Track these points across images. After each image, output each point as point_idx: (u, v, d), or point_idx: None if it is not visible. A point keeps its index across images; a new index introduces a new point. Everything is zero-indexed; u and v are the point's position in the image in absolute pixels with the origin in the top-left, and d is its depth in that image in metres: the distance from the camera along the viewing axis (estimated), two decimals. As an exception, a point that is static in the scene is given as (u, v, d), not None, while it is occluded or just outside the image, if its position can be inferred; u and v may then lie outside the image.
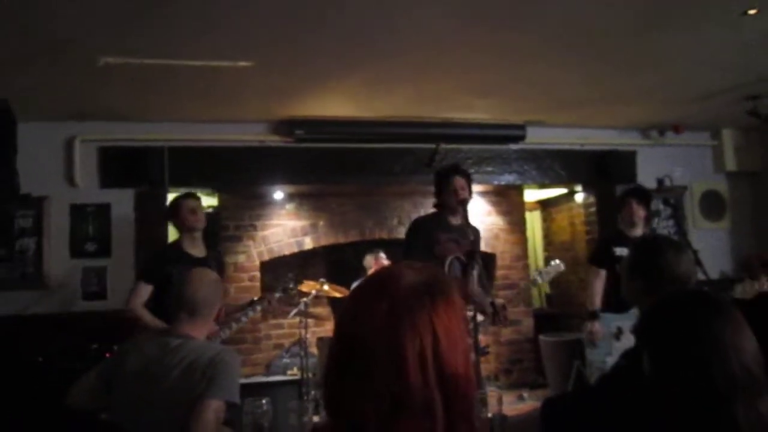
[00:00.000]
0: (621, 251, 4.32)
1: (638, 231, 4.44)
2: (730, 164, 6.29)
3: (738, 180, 6.44)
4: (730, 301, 1.40)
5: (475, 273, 3.56)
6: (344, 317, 1.04)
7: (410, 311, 0.98)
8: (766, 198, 6.28)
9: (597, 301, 4.31)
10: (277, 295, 4.11)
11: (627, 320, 4.20)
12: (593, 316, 4.26)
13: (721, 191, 6.40)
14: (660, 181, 5.98)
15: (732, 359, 1.26)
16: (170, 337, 2.14)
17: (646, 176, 6.06)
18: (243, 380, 4.32)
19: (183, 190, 5.35)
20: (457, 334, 1.01)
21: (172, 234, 5.39)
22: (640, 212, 4.46)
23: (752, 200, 6.45)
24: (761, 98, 5.11)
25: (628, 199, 4.49)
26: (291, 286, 4.23)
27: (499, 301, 3.53)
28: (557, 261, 4.00)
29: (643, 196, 4.55)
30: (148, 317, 3.59)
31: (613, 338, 4.20)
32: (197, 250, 3.86)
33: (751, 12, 3.43)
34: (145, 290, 3.67)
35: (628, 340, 4.17)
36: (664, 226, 6.12)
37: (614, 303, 4.20)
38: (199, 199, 3.99)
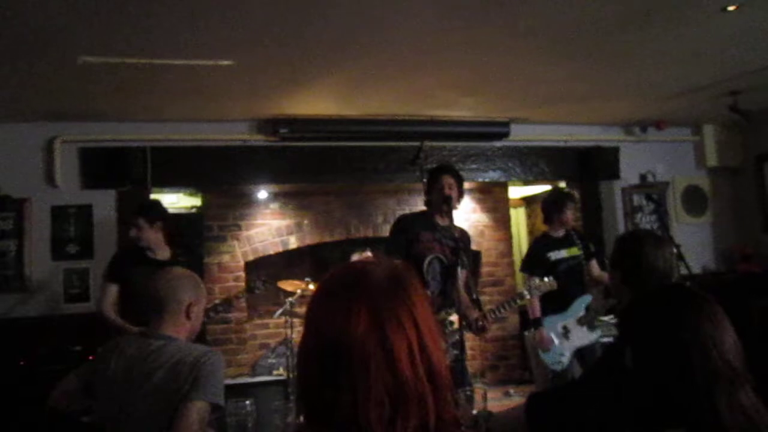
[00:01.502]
0: (556, 255, 4.43)
1: (562, 232, 4.55)
2: (712, 160, 6.35)
3: (719, 175, 6.50)
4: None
5: (460, 275, 3.53)
6: (321, 323, 1.00)
7: (392, 308, 0.97)
8: (747, 193, 6.35)
9: (537, 307, 4.26)
10: (242, 295, 4.13)
11: (569, 317, 4.34)
12: (538, 323, 4.27)
13: (703, 186, 6.46)
14: (643, 177, 6.04)
15: (712, 353, 1.27)
16: (151, 338, 2.12)
17: (629, 172, 6.11)
18: (228, 381, 4.32)
19: (166, 191, 5.35)
20: (432, 320, 1.02)
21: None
22: (570, 218, 4.63)
23: (733, 195, 6.52)
24: (741, 94, 5.17)
25: (569, 204, 4.59)
26: (258, 286, 4.22)
27: (476, 315, 3.48)
28: (550, 278, 3.94)
29: (573, 202, 4.75)
30: (119, 321, 3.63)
31: (562, 338, 4.28)
32: (160, 253, 3.84)
33: (731, 8, 3.46)
34: (112, 291, 3.72)
35: (577, 336, 4.32)
36: (647, 222, 6.17)
37: (552, 304, 4.27)
38: (139, 217, 3.80)
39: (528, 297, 3.81)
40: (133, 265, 3.66)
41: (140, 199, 4.97)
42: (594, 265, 4.60)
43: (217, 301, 4.15)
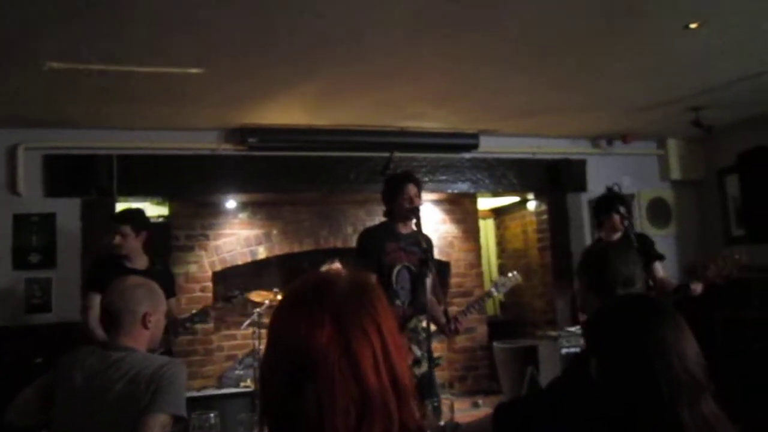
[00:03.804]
0: None
1: (616, 236, 4.18)
2: (675, 173, 6.48)
3: (683, 188, 6.64)
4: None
5: (428, 281, 3.56)
6: (285, 333, 0.99)
7: (356, 317, 0.97)
8: (709, 206, 6.49)
9: None
10: (219, 305, 3.98)
11: None
12: None
13: (667, 199, 6.59)
14: (609, 189, 6.12)
15: (675, 364, 1.29)
16: (111, 350, 2.08)
17: (596, 184, 6.18)
18: (194, 393, 4.26)
19: (132, 200, 5.26)
20: (395, 328, 1.02)
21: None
22: (619, 221, 4.16)
23: (696, 208, 6.66)
24: (703, 109, 5.29)
25: (618, 206, 4.15)
26: (236, 294, 4.10)
27: (453, 309, 3.53)
28: (515, 273, 3.91)
29: (622, 203, 4.25)
30: (103, 337, 3.51)
31: None
32: (138, 262, 3.78)
33: (693, 26, 3.55)
34: (96, 301, 3.51)
35: None
36: (613, 233, 6.25)
37: None
38: (125, 225, 3.77)
39: (496, 294, 3.78)
40: (113, 274, 3.53)
41: (106, 208, 4.90)
42: (658, 267, 4.19)
43: (194, 311, 4.01)
